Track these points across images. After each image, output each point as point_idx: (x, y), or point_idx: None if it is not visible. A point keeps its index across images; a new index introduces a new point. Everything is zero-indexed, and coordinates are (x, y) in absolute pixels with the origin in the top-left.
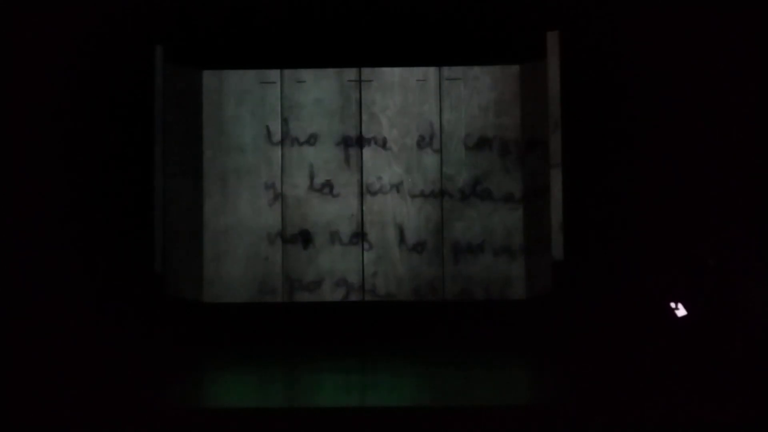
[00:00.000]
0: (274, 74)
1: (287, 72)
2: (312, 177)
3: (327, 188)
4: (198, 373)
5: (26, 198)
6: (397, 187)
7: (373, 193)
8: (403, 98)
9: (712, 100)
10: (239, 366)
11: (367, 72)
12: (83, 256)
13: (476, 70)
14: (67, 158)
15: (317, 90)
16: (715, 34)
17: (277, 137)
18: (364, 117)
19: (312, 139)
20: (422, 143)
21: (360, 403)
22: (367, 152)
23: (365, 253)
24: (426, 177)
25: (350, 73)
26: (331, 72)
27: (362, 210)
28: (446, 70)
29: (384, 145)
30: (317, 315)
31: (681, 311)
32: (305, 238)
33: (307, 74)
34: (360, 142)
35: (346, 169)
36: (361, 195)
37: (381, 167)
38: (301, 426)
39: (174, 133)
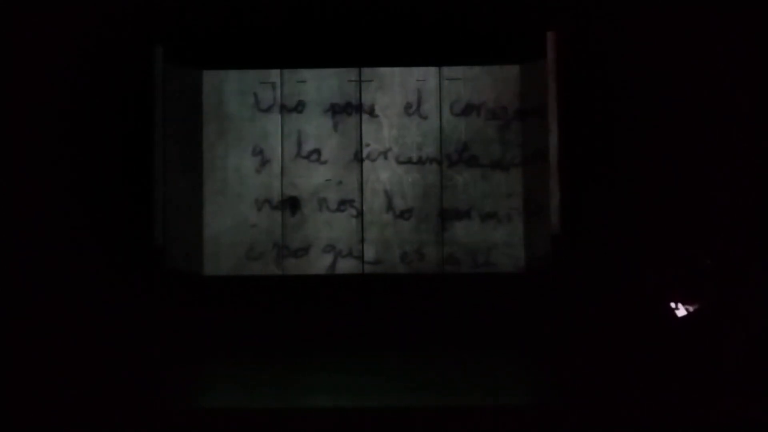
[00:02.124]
0: (273, 73)
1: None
2: (300, 144)
3: (315, 155)
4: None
5: (28, 191)
6: (385, 154)
7: (361, 161)
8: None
9: (712, 96)
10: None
11: None
12: (83, 231)
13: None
14: (67, 142)
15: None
16: (715, 32)
17: (265, 104)
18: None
19: (300, 107)
20: (410, 110)
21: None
22: (356, 119)
23: (353, 220)
24: (415, 144)
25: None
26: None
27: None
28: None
29: (372, 112)
30: (312, 288)
31: (681, 311)
32: (293, 204)
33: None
34: (348, 109)
35: (334, 136)
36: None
37: (369, 134)
38: (296, 420)
39: (173, 130)
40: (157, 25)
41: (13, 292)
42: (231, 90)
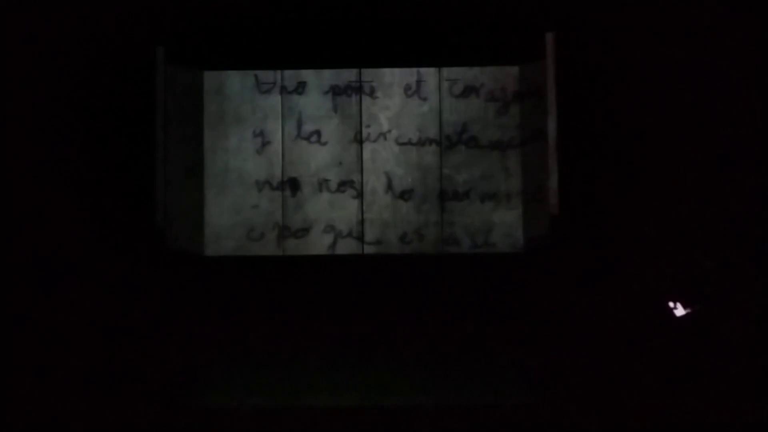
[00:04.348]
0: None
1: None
2: (300, 125)
3: (315, 136)
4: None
5: (32, 176)
6: (385, 135)
7: (361, 142)
8: None
9: (713, 90)
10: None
11: None
12: (84, 210)
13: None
14: (71, 127)
15: None
16: (714, 22)
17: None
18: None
19: (300, 88)
20: (409, 91)
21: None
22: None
23: (353, 201)
24: (414, 126)
25: None
26: None
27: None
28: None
29: (372, 94)
30: (313, 269)
31: (680, 311)
32: (293, 185)
33: None
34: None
35: (334, 117)
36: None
37: (369, 116)
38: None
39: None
40: (158, 25)
41: (16, 273)
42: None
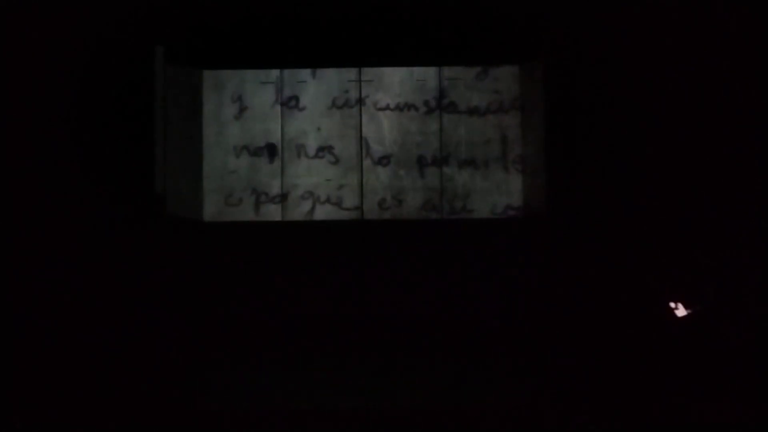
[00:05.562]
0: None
1: None
2: (279, 91)
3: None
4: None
5: (37, 149)
6: (364, 100)
7: (340, 107)
8: None
9: (711, 84)
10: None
11: None
12: (86, 181)
13: None
14: (76, 108)
15: None
16: (710, 11)
17: None
18: None
19: None
20: None
21: None
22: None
23: (332, 167)
24: (393, 91)
25: None
26: None
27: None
28: None
29: None
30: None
31: (681, 311)
32: (271, 151)
33: None
34: None
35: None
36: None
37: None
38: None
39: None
40: (158, 25)
41: (21, 240)
42: None
